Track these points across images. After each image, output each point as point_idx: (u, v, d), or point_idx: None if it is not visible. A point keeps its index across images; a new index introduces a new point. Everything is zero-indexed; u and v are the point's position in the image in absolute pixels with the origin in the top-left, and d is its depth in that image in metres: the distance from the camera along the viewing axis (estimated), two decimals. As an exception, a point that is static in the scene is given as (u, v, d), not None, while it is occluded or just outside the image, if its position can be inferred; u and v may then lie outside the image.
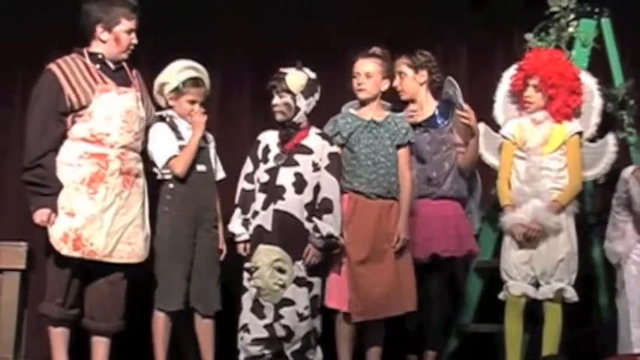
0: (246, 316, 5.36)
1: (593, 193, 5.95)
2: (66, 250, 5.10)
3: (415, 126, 5.67)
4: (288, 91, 5.41)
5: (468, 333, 6.06)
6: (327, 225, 5.36)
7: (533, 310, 5.51)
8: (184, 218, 5.42)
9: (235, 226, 5.45)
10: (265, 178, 5.43)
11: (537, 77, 5.48)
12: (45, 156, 5.11)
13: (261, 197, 5.41)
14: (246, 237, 5.42)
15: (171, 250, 5.39)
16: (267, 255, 5.32)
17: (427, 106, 5.74)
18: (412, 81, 5.73)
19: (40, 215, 5.11)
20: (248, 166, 5.51)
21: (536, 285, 5.44)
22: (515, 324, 5.47)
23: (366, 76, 5.57)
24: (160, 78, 5.52)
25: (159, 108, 5.54)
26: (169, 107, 5.55)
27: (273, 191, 5.38)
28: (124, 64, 5.32)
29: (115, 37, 5.24)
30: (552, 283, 5.41)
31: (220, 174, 5.64)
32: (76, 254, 5.11)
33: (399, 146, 5.55)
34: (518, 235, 5.41)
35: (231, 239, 5.50)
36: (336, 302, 5.44)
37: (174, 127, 5.50)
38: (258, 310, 5.33)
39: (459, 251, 5.65)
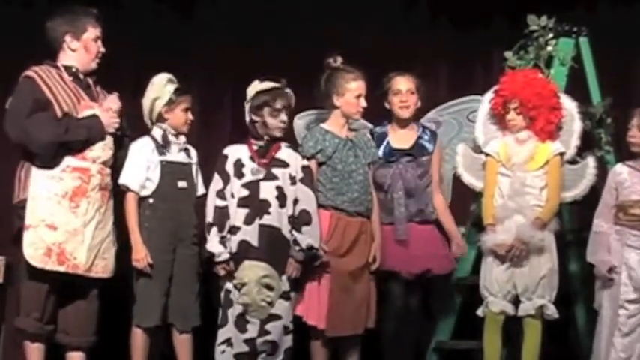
0: (229, 330, 5.34)
1: (570, 211, 5.95)
2: (50, 264, 5.11)
3: (398, 152, 5.71)
4: (289, 108, 5.47)
5: (447, 350, 6.06)
6: (306, 237, 5.37)
7: (510, 327, 5.53)
8: (164, 234, 5.38)
9: (214, 245, 5.36)
10: (244, 192, 5.39)
11: (517, 101, 5.51)
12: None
13: (241, 212, 5.36)
14: (226, 256, 5.35)
15: (150, 266, 5.36)
16: (254, 271, 5.30)
17: (411, 131, 5.77)
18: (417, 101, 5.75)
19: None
20: (217, 183, 5.44)
21: (515, 302, 5.47)
22: (494, 340, 5.51)
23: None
24: (151, 94, 5.46)
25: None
26: (163, 121, 5.47)
27: (257, 206, 5.36)
28: (90, 80, 5.34)
29: (85, 45, 5.31)
30: (534, 300, 5.45)
31: (201, 190, 5.56)
32: (61, 268, 5.13)
33: (369, 164, 5.59)
34: (500, 250, 5.42)
35: (208, 258, 5.41)
36: (316, 320, 5.43)
37: (165, 142, 5.44)
38: (241, 324, 5.31)
39: (444, 269, 5.71)
